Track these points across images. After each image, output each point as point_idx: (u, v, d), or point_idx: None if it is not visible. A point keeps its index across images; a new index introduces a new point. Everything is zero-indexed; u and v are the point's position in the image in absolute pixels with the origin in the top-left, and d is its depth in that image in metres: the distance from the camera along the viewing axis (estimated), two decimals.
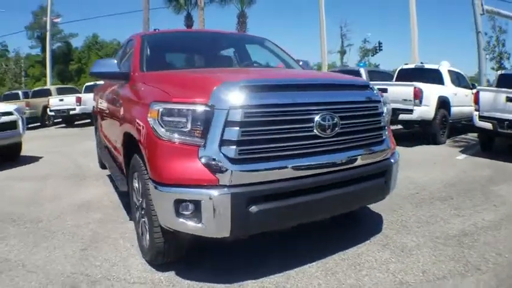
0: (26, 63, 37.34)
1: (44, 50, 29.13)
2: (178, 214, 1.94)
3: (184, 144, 1.95)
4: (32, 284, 2.32)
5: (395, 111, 7.20)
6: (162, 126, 1.98)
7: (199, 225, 1.93)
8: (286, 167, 1.99)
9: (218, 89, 1.95)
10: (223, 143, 1.88)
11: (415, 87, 6.95)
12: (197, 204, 1.90)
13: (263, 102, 1.95)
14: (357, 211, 3.29)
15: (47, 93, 15.13)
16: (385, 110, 2.83)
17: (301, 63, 3.91)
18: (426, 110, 7.07)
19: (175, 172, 1.95)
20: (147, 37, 3.51)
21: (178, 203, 1.92)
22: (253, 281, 2.24)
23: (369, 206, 3.65)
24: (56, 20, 28.24)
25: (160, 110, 2.00)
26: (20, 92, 16.12)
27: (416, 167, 5.44)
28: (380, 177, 2.48)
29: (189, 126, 1.94)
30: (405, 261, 2.48)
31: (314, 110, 2.08)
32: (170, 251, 2.31)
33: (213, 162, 1.88)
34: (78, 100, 13.33)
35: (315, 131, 2.06)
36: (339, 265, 2.42)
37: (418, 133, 8.12)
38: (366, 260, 2.50)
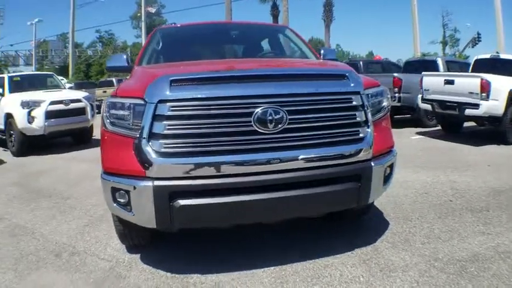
0: (132, 51, 41.92)
1: None
2: (115, 201, 2.09)
3: (122, 136, 2.06)
4: (30, 248, 2.77)
5: (462, 106, 6.27)
6: (107, 118, 2.14)
7: (130, 213, 2.05)
8: (215, 163, 1.92)
9: (152, 84, 1.99)
10: (151, 136, 1.93)
11: (482, 79, 5.87)
12: (128, 193, 2.01)
13: (191, 95, 1.92)
14: (361, 213, 2.91)
15: None
16: (384, 103, 2.45)
17: (322, 51, 3.64)
18: (494, 105, 5.92)
19: (112, 162, 2.11)
20: (159, 31, 3.69)
21: (115, 191, 2.07)
22: (199, 275, 2.24)
23: (381, 210, 3.27)
24: (150, 10, 30.62)
25: (107, 103, 2.15)
26: (114, 80, 18.05)
27: (469, 169, 4.67)
28: (351, 182, 2.16)
29: (127, 119, 2.04)
30: (375, 283, 2.13)
31: (255, 103, 1.93)
32: (131, 235, 2.46)
33: (142, 155, 1.94)
34: None
35: (253, 126, 1.92)
36: (295, 274, 2.24)
37: (489, 131, 6.89)
38: (329, 273, 2.24)
